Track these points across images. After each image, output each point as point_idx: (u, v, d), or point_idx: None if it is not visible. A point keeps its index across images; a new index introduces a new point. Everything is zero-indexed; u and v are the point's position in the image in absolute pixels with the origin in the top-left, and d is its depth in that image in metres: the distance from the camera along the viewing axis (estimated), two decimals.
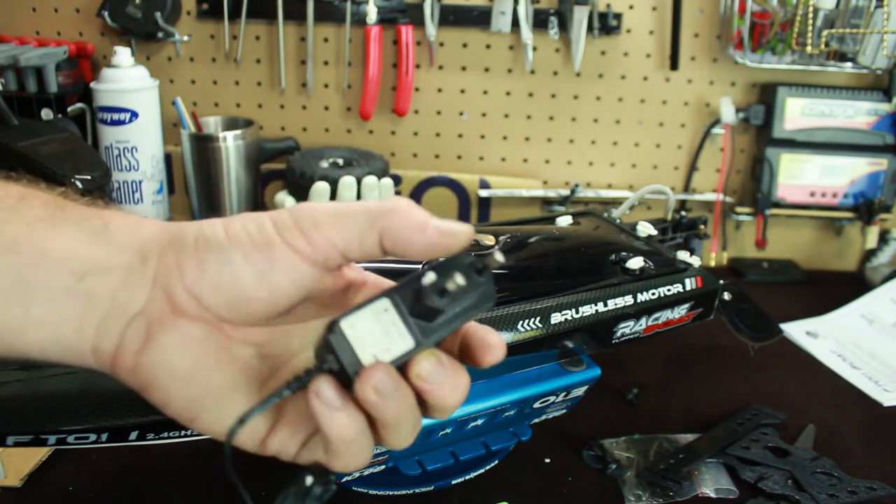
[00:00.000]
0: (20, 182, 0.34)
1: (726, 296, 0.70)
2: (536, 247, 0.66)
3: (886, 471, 0.63)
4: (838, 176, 1.05)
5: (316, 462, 0.34)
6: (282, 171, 1.05)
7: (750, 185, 1.09)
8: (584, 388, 0.59)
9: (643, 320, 0.61)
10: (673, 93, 1.06)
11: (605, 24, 1.01)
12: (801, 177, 1.05)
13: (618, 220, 0.75)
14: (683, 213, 0.89)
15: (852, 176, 1.05)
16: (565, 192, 1.07)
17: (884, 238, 1.06)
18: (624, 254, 0.65)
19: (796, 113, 1.03)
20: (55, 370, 0.46)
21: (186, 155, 1.00)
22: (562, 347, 0.58)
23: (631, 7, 1.02)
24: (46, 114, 0.96)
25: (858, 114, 1.03)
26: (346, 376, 0.31)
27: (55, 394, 0.45)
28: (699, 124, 1.08)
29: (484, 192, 1.07)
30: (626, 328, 0.61)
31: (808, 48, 0.95)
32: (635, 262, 0.63)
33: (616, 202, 1.07)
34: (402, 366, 0.32)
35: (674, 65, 1.03)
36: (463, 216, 1.10)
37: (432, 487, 0.59)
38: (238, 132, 0.99)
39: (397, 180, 1.07)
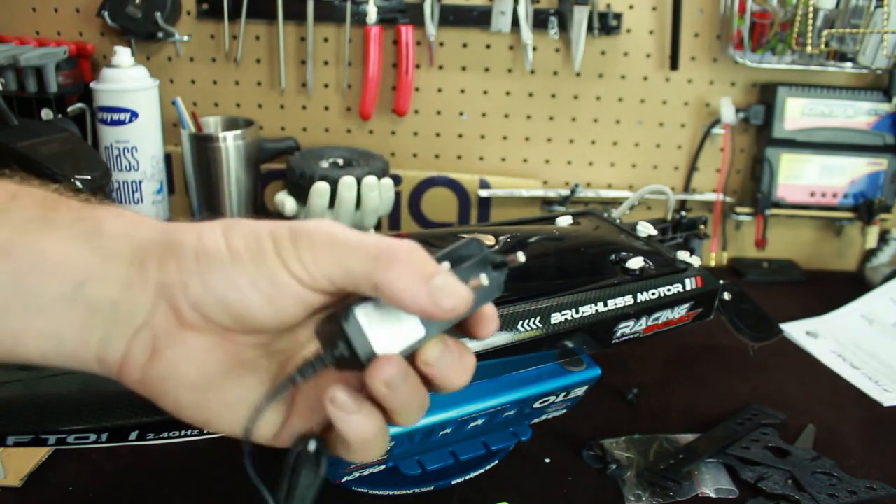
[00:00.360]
0: (12, 179, 0.33)
1: (726, 296, 0.70)
2: (536, 247, 0.66)
3: (886, 471, 0.63)
4: (838, 176, 1.05)
5: (307, 431, 0.34)
6: (282, 171, 1.05)
7: (750, 185, 1.09)
8: (584, 388, 0.59)
9: (643, 320, 0.61)
10: (673, 93, 1.06)
11: (605, 24, 1.01)
12: (801, 177, 1.05)
13: (618, 220, 0.75)
14: (683, 213, 0.89)
15: (852, 176, 1.05)
16: (565, 192, 1.07)
17: (884, 238, 1.06)
18: (624, 254, 0.65)
19: (796, 113, 1.03)
20: (55, 370, 0.46)
21: (186, 155, 1.00)
22: (562, 347, 0.58)
23: (631, 7, 1.02)
24: (46, 114, 0.96)
25: (858, 114, 1.03)
26: (357, 362, 0.31)
27: (55, 394, 0.45)
28: (699, 124, 1.08)
29: (484, 192, 1.07)
30: (626, 328, 0.61)
31: (808, 48, 0.95)
32: (635, 262, 0.63)
33: (616, 202, 1.07)
34: (411, 353, 0.32)
35: (674, 65, 1.03)
36: (463, 216, 1.10)
37: (432, 487, 0.59)
38: (238, 132, 0.99)
39: (397, 180, 1.07)
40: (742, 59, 1.00)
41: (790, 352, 0.85)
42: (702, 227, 0.88)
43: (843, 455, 0.65)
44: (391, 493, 0.58)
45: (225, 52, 1.05)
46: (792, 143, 1.04)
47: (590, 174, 1.11)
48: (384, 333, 0.31)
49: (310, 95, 1.07)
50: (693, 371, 0.79)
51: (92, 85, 0.94)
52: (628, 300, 0.60)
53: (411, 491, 0.58)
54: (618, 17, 1.02)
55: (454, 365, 0.33)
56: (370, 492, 0.58)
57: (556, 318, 0.57)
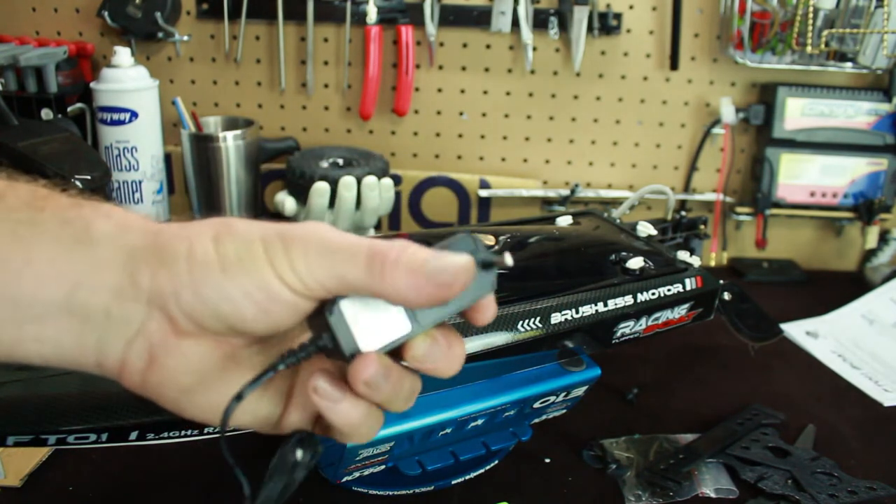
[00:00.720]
0: (0, 177, 0.33)
1: (726, 296, 0.70)
2: (536, 247, 0.66)
3: (886, 471, 0.63)
4: (838, 176, 1.05)
5: (299, 430, 0.35)
6: (282, 171, 1.05)
7: (750, 185, 1.09)
8: (584, 388, 0.59)
9: (643, 320, 0.61)
10: (673, 93, 1.06)
11: (605, 24, 1.01)
12: (801, 177, 1.05)
13: (618, 220, 0.75)
14: (683, 213, 0.89)
15: (852, 176, 1.05)
16: (565, 192, 1.07)
17: (884, 238, 1.06)
18: (624, 254, 0.65)
19: (796, 113, 1.03)
20: (56, 370, 0.46)
21: (186, 155, 1.00)
22: (562, 347, 0.58)
23: (631, 7, 1.02)
24: (46, 114, 0.96)
25: (858, 114, 1.03)
26: (341, 355, 0.31)
27: (55, 394, 0.45)
28: (699, 124, 1.08)
29: (484, 192, 1.07)
30: (626, 328, 0.61)
31: (808, 48, 0.95)
32: (635, 262, 0.63)
33: (616, 202, 1.07)
34: (398, 347, 0.33)
35: (674, 65, 1.03)
36: (463, 216, 1.10)
37: (432, 487, 0.59)
38: (238, 132, 0.99)
39: (397, 180, 1.07)
40: (742, 59, 1.00)
41: (790, 352, 0.85)
42: (702, 227, 0.88)
43: (843, 455, 0.65)
44: (391, 493, 0.58)
45: (225, 52, 1.05)
46: (792, 143, 1.04)
47: (590, 174, 1.11)
48: (369, 327, 0.31)
49: (310, 95, 1.07)
50: (693, 371, 0.79)
51: (92, 85, 0.94)
52: (628, 300, 0.60)
53: (411, 491, 0.58)
54: (618, 17, 1.02)
55: (443, 357, 0.33)
56: (370, 492, 0.58)
57: (556, 318, 0.57)
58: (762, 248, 1.08)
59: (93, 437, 0.45)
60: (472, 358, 0.53)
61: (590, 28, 1.00)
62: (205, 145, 0.98)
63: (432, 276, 0.31)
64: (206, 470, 0.59)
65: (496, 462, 0.62)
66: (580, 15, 0.99)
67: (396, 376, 0.32)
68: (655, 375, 0.77)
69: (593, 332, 0.59)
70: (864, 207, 1.04)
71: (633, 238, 0.70)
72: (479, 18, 1.02)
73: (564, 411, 0.63)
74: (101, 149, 0.95)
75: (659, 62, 1.05)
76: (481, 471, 0.61)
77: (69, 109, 0.97)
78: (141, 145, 0.94)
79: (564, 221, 0.73)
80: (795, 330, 0.89)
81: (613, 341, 0.61)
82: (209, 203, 1.01)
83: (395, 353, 0.33)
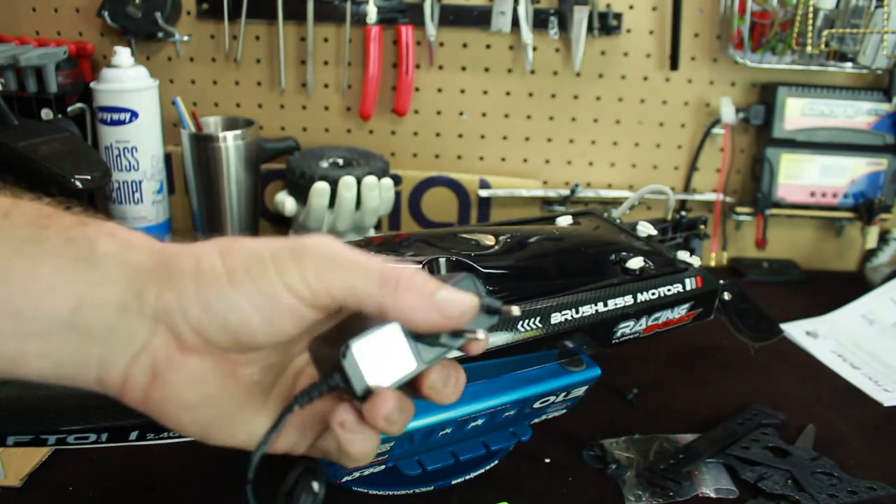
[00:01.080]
0: (4, 193, 0.33)
1: (726, 296, 0.70)
2: (536, 247, 0.66)
3: (886, 471, 0.63)
4: (838, 176, 1.05)
5: (306, 460, 0.36)
6: (282, 171, 1.05)
7: (750, 185, 1.09)
8: (584, 388, 0.59)
9: (643, 320, 0.61)
10: (673, 93, 1.06)
11: (605, 24, 1.01)
12: (801, 177, 1.05)
13: (618, 220, 0.75)
14: (683, 213, 0.89)
15: (852, 176, 1.05)
16: (565, 192, 1.07)
17: (884, 238, 1.06)
18: (624, 254, 0.65)
19: (796, 113, 1.03)
20: None
21: (186, 155, 1.00)
22: (562, 347, 0.58)
23: (631, 7, 1.02)
24: (46, 114, 0.96)
25: (858, 114, 1.03)
26: (352, 394, 0.33)
27: (55, 394, 0.45)
28: (699, 124, 1.08)
29: (484, 192, 1.07)
30: (626, 328, 0.61)
31: (808, 48, 0.95)
32: (635, 262, 0.63)
33: (616, 202, 1.07)
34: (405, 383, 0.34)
35: (674, 65, 1.03)
36: (463, 216, 1.10)
37: (432, 487, 0.59)
38: (238, 132, 0.99)
39: (397, 180, 1.07)
40: (742, 59, 1.00)
41: (790, 352, 0.85)
42: (702, 227, 0.88)
43: (843, 455, 0.65)
44: (391, 493, 0.58)
45: (225, 52, 1.05)
46: (792, 143, 1.04)
47: (590, 174, 1.11)
48: (378, 367, 0.33)
49: (310, 95, 1.07)
50: (693, 371, 0.79)
51: (92, 85, 0.94)
52: (628, 300, 0.60)
53: (411, 491, 0.58)
54: (618, 17, 1.02)
55: (452, 386, 0.36)
56: (370, 492, 0.58)
57: (556, 318, 0.57)
58: (762, 248, 1.08)
59: (93, 437, 0.45)
60: (472, 358, 0.53)
61: (590, 28, 1.00)
62: (205, 145, 0.98)
63: (440, 305, 0.33)
64: (206, 470, 0.59)
65: (496, 462, 0.62)
66: (580, 15, 0.99)
67: (408, 409, 0.34)
68: (655, 375, 0.77)
69: (593, 332, 0.59)
70: (864, 207, 1.04)
71: (633, 238, 0.70)
72: (479, 18, 1.02)
73: (564, 411, 0.63)
74: (101, 149, 0.95)
75: (659, 62, 1.05)
76: (481, 471, 0.61)
77: (69, 109, 0.97)
78: (141, 145, 0.94)
79: (564, 221, 0.73)
80: (795, 330, 0.89)
81: (613, 341, 0.61)
82: (209, 203, 1.01)
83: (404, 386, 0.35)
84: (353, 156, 1.01)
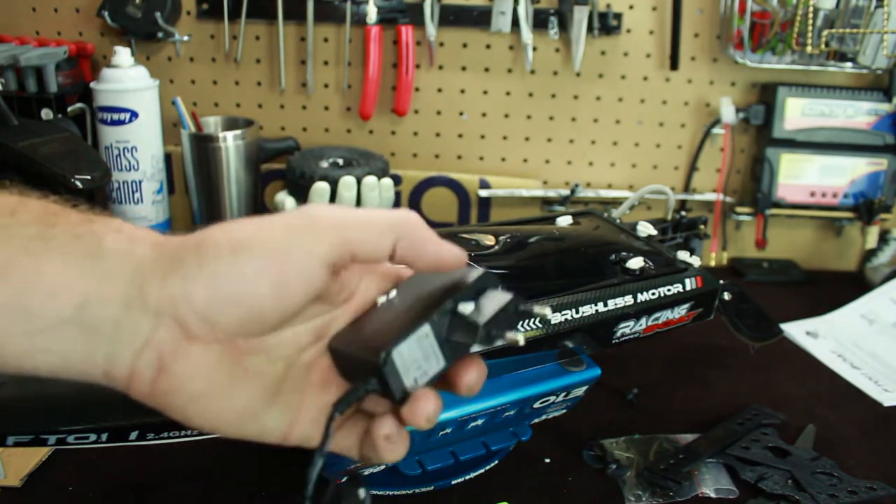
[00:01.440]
0: (11, 192, 0.33)
1: (726, 296, 0.70)
2: (536, 247, 0.66)
3: (886, 471, 0.63)
4: (838, 176, 1.05)
5: (351, 472, 0.37)
6: (282, 171, 1.05)
7: (750, 185, 1.09)
8: (584, 388, 0.59)
9: (643, 320, 0.61)
10: (673, 93, 1.06)
11: (605, 24, 1.01)
12: (801, 177, 1.05)
13: (618, 220, 0.75)
14: (683, 213, 0.89)
15: (852, 176, 1.05)
16: (565, 192, 1.07)
17: (884, 238, 1.05)
18: (624, 254, 0.65)
19: (796, 113, 1.03)
20: None
21: (186, 155, 1.00)
22: (562, 347, 0.58)
23: (631, 7, 1.02)
24: (46, 114, 0.96)
25: (858, 114, 1.03)
26: (390, 397, 0.34)
27: (55, 394, 0.45)
28: (699, 124, 1.08)
29: (484, 192, 1.07)
30: (626, 328, 0.61)
31: (808, 48, 0.95)
32: (635, 262, 0.63)
33: (616, 202, 1.07)
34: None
35: (674, 65, 1.03)
36: (463, 216, 1.10)
37: (432, 487, 0.59)
38: (238, 132, 0.99)
39: (397, 180, 1.07)
40: (742, 59, 1.00)
41: (790, 352, 0.85)
42: (702, 227, 0.88)
43: (843, 455, 0.65)
44: (391, 493, 0.58)
45: (225, 52, 1.05)
46: (792, 143, 1.04)
47: (590, 174, 1.11)
48: (412, 367, 0.34)
49: (310, 95, 1.07)
50: (693, 371, 0.79)
51: (92, 85, 0.94)
52: (628, 300, 0.60)
53: (411, 491, 0.58)
54: (618, 17, 1.02)
55: (481, 382, 0.37)
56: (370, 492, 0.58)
57: (556, 318, 0.57)
58: (762, 248, 1.08)
59: (93, 437, 0.45)
60: None
61: (590, 28, 1.00)
62: (205, 145, 0.98)
63: (444, 246, 0.35)
64: (206, 470, 0.59)
65: (496, 462, 0.62)
66: (580, 15, 0.99)
67: (441, 405, 0.35)
68: (655, 375, 0.77)
69: (593, 332, 0.59)
70: (864, 207, 1.04)
71: (633, 238, 0.70)
72: (479, 18, 1.02)
73: (564, 411, 0.63)
74: (101, 149, 0.95)
75: (659, 62, 1.05)
76: (481, 471, 0.61)
77: (69, 109, 0.97)
78: (141, 145, 0.94)
79: (564, 221, 0.73)
80: (795, 330, 0.89)
81: (613, 341, 0.61)
82: (209, 203, 1.01)
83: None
84: (353, 156, 1.01)
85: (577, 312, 0.58)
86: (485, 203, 1.09)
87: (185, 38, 1.03)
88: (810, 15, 0.93)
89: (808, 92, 1.02)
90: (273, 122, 1.09)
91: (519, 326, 0.36)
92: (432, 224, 0.38)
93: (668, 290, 0.62)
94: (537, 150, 1.10)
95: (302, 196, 0.96)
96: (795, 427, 0.69)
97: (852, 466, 0.63)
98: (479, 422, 0.55)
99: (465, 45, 1.05)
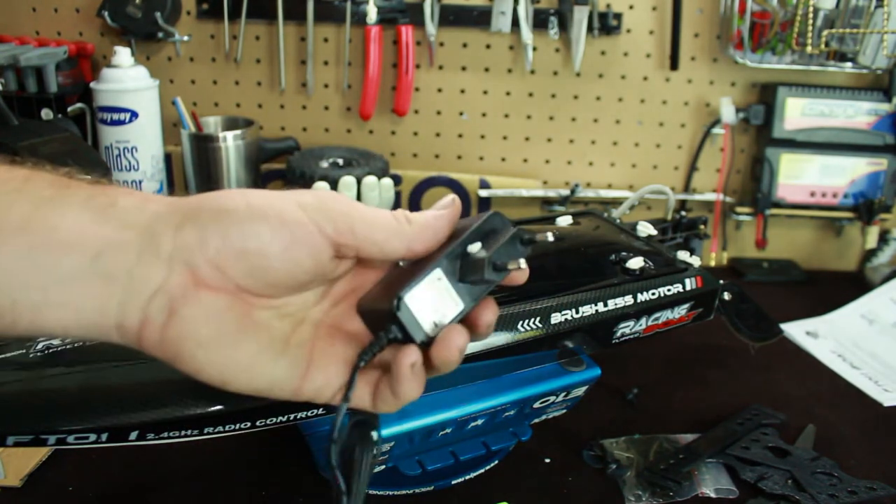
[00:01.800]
0: (25, 165, 0.34)
1: (726, 296, 0.70)
2: (536, 246, 0.66)
3: (886, 471, 0.63)
4: (838, 176, 1.05)
5: (361, 414, 0.37)
6: (282, 171, 1.05)
7: (750, 185, 1.09)
8: (584, 388, 0.59)
9: (643, 320, 0.61)
10: (673, 93, 1.06)
11: (605, 24, 1.01)
12: (801, 177, 1.05)
13: (618, 220, 0.75)
14: (683, 213, 0.89)
15: (852, 176, 1.05)
16: (565, 192, 1.07)
17: (884, 238, 1.05)
18: (624, 254, 0.65)
19: (796, 113, 1.03)
20: (55, 370, 0.46)
21: (186, 155, 1.00)
22: (562, 347, 0.58)
23: (631, 7, 1.02)
24: (46, 114, 0.96)
25: (858, 114, 1.03)
26: (411, 342, 0.35)
27: (55, 394, 0.45)
28: (699, 124, 1.08)
29: (484, 192, 1.07)
30: (626, 328, 0.61)
31: (808, 48, 0.95)
32: (635, 262, 0.63)
33: (616, 202, 1.07)
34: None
35: (674, 65, 1.03)
36: (463, 216, 1.09)
37: (432, 487, 0.59)
38: (238, 132, 0.99)
39: (397, 180, 1.07)
40: (742, 59, 1.00)
41: (790, 352, 0.85)
42: (702, 227, 0.88)
43: (843, 455, 0.65)
44: (391, 493, 0.58)
45: (225, 52, 1.05)
46: (792, 143, 1.04)
47: (590, 174, 1.11)
48: (429, 311, 0.35)
49: (310, 95, 1.07)
50: (693, 371, 0.79)
51: (92, 85, 0.94)
52: (628, 300, 0.60)
53: (411, 491, 0.58)
54: (618, 17, 1.02)
55: (495, 322, 0.38)
56: (370, 492, 0.58)
57: (556, 318, 0.57)
58: (762, 248, 1.08)
59: (93, 437, 0.45)
60: (472, 358, 0.53)
61: (590, 28, 1.00)
62: (205, 145, 0.98)
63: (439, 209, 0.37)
64: (206, 470, 0.59)
65: (496, 462, 0.62)
66: (580, 15, 0.99)
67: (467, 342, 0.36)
68: (655, 375, 0.77)
69: (593, 332, 0.59)
70: (864, 207, 1.04)
71: (633, 238, 0.70)
72: (479, 18, 1.02)
73: (564, 411, 0.63)
74: (101, 149, 0.95)
75: (659, 62, 1.05)
76: (481, 471, 0.61)
77: (69, 109, 0.97)
78: (141, 145, 0.94)
79: (564, 221, 0.73)
80: (795, 330, 0.89)
81: (613, 341, 0.61)
82: None
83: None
84: (353, 156, 1.01)
85: (577, 312, 0.58)
86: (485, 203, 1.09)
87: (185, 38, 1.03)
88: (810, 15, 0.93)
89: (808, 92, 1.02)
90: (273, 122, 1.09)
91: (523, 255, 0.37)
92: None
93: (668, 291, 0.62)
94: (537, 150, 1.10)
95: None
96: (795, 427, 0.69)
97: (852, 466, 0.63)
98: (479, 422, 0.55)
99: (465, 45, 1.05)
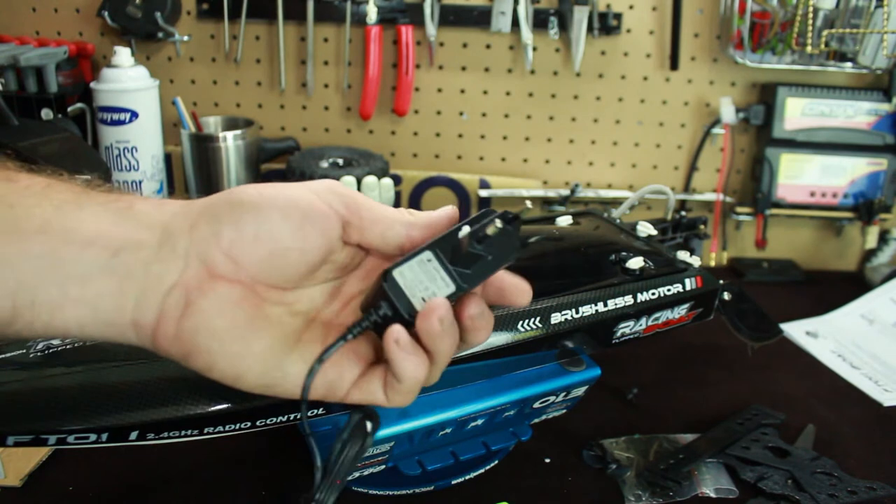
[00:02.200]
0: (44, 173, 0.35)
1: (726, 296, 0.70)
2: (536, 247, 0.66)
3: (886, 471, 0.63)
4: (838, 176, 1.05)
5: (362, 408, 0.38)
6: (282, 171, 1.05)
7: (750, 185, 1.09)
8: (584, 388, 0.59)
9: (643, 320, 0.61)
10: (673, 93, 1.06)
11: (605, 24, 1.02)
12: (801, 177, 1.05)
13: (618, 220, 0.75)
14: (683, 213, 0.89)
15: (852, 176, 1.05)
16: (565, 192, 1.07)
17: (884, 238, 1.06)
18: (624, 254, 0.65)
19: (796, 113, 1.03)
20: (55, 370, 0.46)
21: (186, 155, 1.00)
22: (562, 347, 0.58)
23: (631, 7, 1.02)
24: (46, 114, 0.96)
25: (858, 114, 1.03)
26: (400, 318, 0.35)
27: (55, 394, 0.45)
28: (699, 124, 1.08)
29: (484, 192, 1.07)
30: (626, 328, 0.61)
31: (808, 48, 0.95)
32: (635, 262, 0.63)
33: (616, 202, 1.07)
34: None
35: (674, 65, 1.03)
36: (463, 216, 1.09)
37: (432, 487, 0.59)
38: (238, 132, 0.99)
39: (397, 180, 1.07)
40: (742, 59, 1.00)
41: (790, 352, 0.85)
42: (702, 227, 0.88)
43: (843, 455, 0.65)
44: (391, 493, 0.58)
45: (225, 52, 1.05)
46: (792, 143, 1.04)
47: (590, 174, 1.12)
48: (419, 289, 0.35)
49: (310, 95, 1.07)
50: (693, 371, 0.79)
51: (92, 85, 0.94)
52: (628, 300, 0.60)
53: (411, 491, 0.58)
54: (618, 17, 1.02)
55: (486, 322, 0.38)
56: (370, 492, 0.58)
57: (556, 318, 0.57)
58: (762, 248, 1.08)
59: (93, 437, 0.45)
60: (472, 358, 0.53)
61: (590, 28, 1.00)
62: (205, 145, 0.98)
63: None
64: (207, 469, 0.59)
65: (496, 462, 0.62)
66: (580, 15, 0.99)
67: (456, 329, 0.36)
68: (655, 375, 0.77)
69: (593, 332, 0.59)
70: (864, 207, 1.04)
71: (633, 238, 0.70)
72: (479, 18, 1.02)
73: (564, 411, 0.63)
74: (101, 149, 0.95)
75: (659, 62, 1.05)
76: (481, 471, 0.61)
77: (69, 109, 0.97)
78: (141, 145, 0.94)
79: (564, 221, 0.73)
80: (795, 330, 0.89)
81: (613, 341, 0.61)
82: None
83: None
84: (353, 156, 1.01)
85: (577, 312, 0.58)
86: (485, 203, 1.09)
87: (185, 38, 1.03)
88: (810, 15, 0.94)
89: (808, 92, 1.02)
90: (273, 122, 1.09)
91: (501, 219, 0.37)
92: None
93: (668, 290, 0.62)
94: (537, 150, 1.10)
95: None
96: (795, 427, 0.69)
97: (852, 466, 0.63)
98: (479, 422, 0.55)
99: (465, 45, 1.05)
